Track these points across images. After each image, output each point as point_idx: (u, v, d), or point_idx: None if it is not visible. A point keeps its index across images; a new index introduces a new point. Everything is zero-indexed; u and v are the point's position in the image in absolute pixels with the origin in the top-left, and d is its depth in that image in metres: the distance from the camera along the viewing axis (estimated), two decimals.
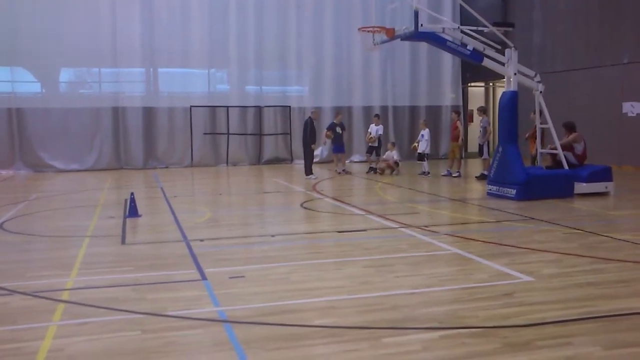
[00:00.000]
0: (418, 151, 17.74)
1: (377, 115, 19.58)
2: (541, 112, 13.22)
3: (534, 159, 14.57)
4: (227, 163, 22.24)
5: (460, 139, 16.94)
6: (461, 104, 24.68)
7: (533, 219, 9.80)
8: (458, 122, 17.15)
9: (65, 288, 6.05)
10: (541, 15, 22.23)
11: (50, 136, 20.30)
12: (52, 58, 20.28)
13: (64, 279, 6.38)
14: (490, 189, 12.79)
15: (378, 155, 18.64)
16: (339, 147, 18.44)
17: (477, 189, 14.14)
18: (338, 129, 18.22)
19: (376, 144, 18.45)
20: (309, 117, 17.72)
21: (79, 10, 20.29)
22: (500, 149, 12.61)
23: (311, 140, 17.23)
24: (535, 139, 13.95)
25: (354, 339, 4.56)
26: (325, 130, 18.64)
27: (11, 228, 9.59)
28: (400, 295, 5.68)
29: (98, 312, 5.26)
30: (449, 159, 17.47)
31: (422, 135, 17.60)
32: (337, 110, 20.82)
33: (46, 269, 6.89)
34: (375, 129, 18.42)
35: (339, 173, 18.15)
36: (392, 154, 18.10)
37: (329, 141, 19.12)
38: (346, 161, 20.51)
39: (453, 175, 16.79)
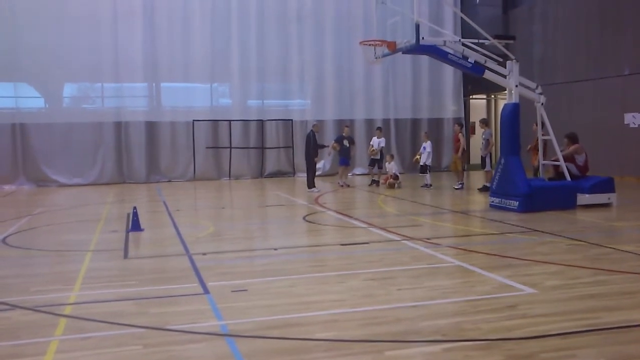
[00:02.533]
0: (420, 163, 17.77)
1: (379, 128, 19.64)
2: (543, 124, 13.25)
3: (536, 170, 14.57)
4: (229, 177, 22.25)
5: (462, 151, 16.96)
6: (463, 116, 24.70)
7: (536, 230, 9.78)
8: (460, 134, 17.19)
9: (68, 302, 6.05)
10: (542, 27, 22.31)
11: (53, 151, 20.36)
12: (55, 73, 20.40)
13: (67, 294, 6.38)
14: (492, 201, 12.78)
15: (380, 167, 18.66)
16: (345, 159, 18.52)
17: (480, 201, 14.12)
18: (345, 142, 18.27)
19: (378, 157, 18.50)
20: (311, 130, 17.74)
21: (81, 25, 20.37)
22: (502, 161, 12.61)
23: (314, 153, 17.23)
24: (537, 150, 13.96)
25: (357, 353, 4.54)
26: (333, 141, 18.70)
27: (14, 243, 9.61)
28: (402, 308, 5.66)
29: (100, 326, 5.26)
30: (452, 171, 17.45)
31: (424, 148, 17.63)
32: (345, 123, 20.90)
33: (49, 284, 6.88)
34: (377, 142, 18.48)
35: (341, 186, 18.16)
36: (391, 166, 18.11)
37: (334, 152, 19.20)
38: (348, 174, 20.51)
39: (455, 187, 16.78)
